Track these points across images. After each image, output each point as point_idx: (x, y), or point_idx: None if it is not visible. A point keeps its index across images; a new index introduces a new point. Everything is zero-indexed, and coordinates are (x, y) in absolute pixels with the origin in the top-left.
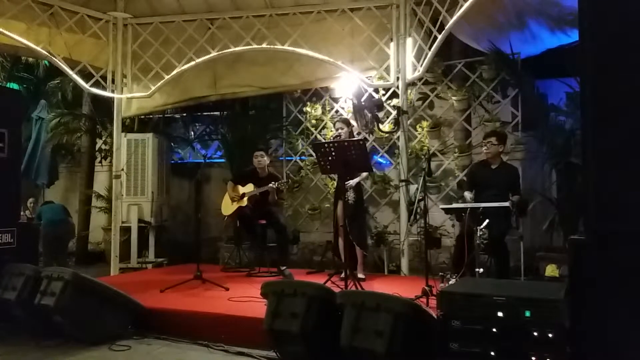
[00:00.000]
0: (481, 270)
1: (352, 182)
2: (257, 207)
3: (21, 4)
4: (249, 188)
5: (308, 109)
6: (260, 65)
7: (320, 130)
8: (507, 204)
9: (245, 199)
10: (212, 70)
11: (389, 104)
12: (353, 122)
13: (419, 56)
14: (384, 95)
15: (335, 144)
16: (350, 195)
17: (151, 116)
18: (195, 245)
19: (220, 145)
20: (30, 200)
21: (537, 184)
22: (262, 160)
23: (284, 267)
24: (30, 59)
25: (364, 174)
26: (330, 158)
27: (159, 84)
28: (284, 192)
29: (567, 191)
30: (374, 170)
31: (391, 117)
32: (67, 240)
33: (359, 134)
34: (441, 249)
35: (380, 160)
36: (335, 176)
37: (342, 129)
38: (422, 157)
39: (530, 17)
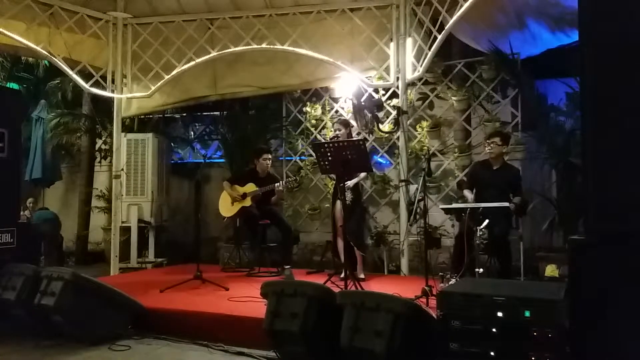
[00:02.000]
0: (481, 270)
1: (350, 182)
2: (259, 207)
3: (21, 4)
4: (251, 188)
5: (308, 109)
6: (260, 65)
7: (320, 130)
8: (507, 204)
9: (249, 198)
10: (212, 70)
11: (388, 104)
12: (353, 123)
13: (418, 56)
14: (383, 95)
15: (335, 144)
16: (348, 195)
17: (151, 116)
18: (195, 245)
19: (220, 145)
20: (30, 200)
21: (536, 184)
22: (269, 162)
23: (288, 267)
24: (30, 59)
25: (363, 175)
26: (329, 158)
27: (159, 84)
28: (284, 192)
29: (567, 191)
30: (373, 170)
31: (391, 117)
32: (52, 237)
33: (358, 134)
34: (441, 249)
35: (380, 160)
36: (334, 176)
37: (339, 130)
38: (422, 157)
39: (530, 17)
